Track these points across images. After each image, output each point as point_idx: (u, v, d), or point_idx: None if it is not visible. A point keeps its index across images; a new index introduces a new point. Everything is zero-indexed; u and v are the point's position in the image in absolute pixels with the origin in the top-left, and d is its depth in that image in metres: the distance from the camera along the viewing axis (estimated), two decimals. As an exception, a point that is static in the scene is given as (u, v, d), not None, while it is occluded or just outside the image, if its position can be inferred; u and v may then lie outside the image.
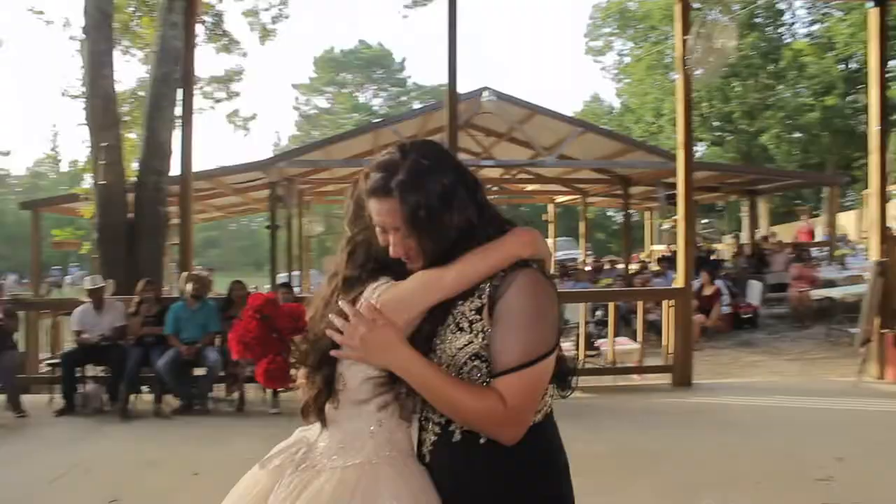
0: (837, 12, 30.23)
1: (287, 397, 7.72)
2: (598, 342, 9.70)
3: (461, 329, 1.58)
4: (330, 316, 1.59)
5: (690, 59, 8.39)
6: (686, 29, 8.48)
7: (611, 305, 8.90)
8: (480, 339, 1.55)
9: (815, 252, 17.31)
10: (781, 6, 32.83)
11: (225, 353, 7.42)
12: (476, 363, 1.56)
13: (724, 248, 20.88)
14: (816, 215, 26.49)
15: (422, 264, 1.64)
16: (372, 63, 58.57)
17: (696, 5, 8.81)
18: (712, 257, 18.18)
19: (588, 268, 17.53)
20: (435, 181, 1.58)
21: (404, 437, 1.70)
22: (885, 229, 9.16)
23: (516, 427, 1.54)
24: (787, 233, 22.83)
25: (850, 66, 32.43)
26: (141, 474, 5.43)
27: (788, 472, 5.29)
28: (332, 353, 1.60)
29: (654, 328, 10.43)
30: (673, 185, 17.23)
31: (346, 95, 57.66)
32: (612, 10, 36.11)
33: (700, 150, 33.36)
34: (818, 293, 13.58)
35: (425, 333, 1.63)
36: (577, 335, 9.07)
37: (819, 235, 20.15)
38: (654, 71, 34.77)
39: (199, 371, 7.60)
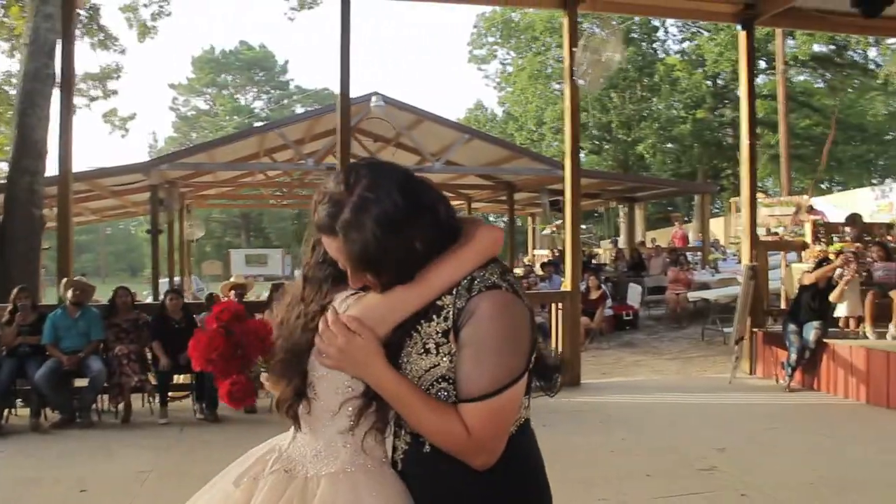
0: (706, 31, 31.95)
1: (175, 407, 7.51)
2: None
3: (428, 351, 1.51)
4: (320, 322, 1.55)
5: (578, 71, 8.69)
6: (573, 41, 8.77)
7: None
8: (448, 362, 1.50)
9: (689, 256, 18.19)
10: (655, 23, 34.37)
11: (108, 362, 7.12)
12: (443, 385, 1.51)
13: (604, 253, 21.64)
14: (687, 221, 27.89)
15: (384, 290, 1.56)
16: (253, 65, 57.46)
17: (581, 20, 9.01)
18: (593, 261, 18.82)
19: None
20: (381, 214, 1.46)
21: (377, 444, 1.66)
22: (755, 235, 9.76)
23: (483, 456, 1.49)
24: (662, 238, 23.91)
25: (717, 83, 34.40)
26: (20, 494, 5.11)
27: (675, 464, 5.54)
28: (312, 357, 1.59)
29: (539, 330, 10.68)
30: (556, 192, 17.81)
31: (227, 97, 56.33)
32: (495, 20, 36.80)
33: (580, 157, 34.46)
34: (694, 295, 14.29)
35: (392, 351, 1.55)
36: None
37: (692, 241, 21.23)
38: (536, 81, 35.68)
39: (81, 382, 7.23)
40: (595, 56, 8.56)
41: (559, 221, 20.49)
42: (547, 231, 25.66)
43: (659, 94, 33.85)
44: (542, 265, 16.54)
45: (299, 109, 56.49)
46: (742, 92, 9.76)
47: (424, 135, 15.63)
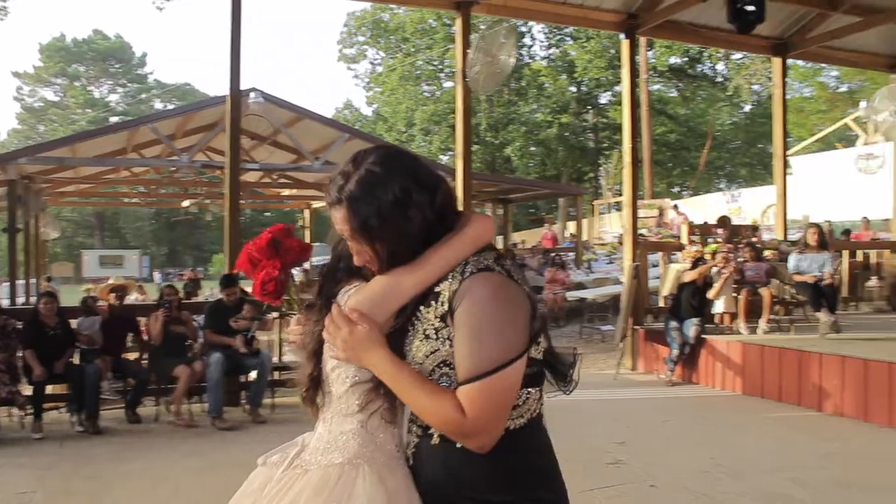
0: (572, 39, 33.15)
1: (51, 419, 6.99)
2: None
3: (427, 337, 1.54)
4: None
5: (470, 72, 8.77)
6: (466, 42, 8.83)
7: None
8: (448, 347, 1.51)
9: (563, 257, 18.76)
10: (522, 29, 35.29)
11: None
12: (445, 370, 1.53)
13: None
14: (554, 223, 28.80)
15: (382, 269, 1.61)
16: (109, 55, 54.62)
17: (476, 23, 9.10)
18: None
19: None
20: (386, 188, 1.55)
21: (388, 438, 1.68)
22: (637, 236, 10.16)
23: (481, 437, 1.49)
24: (531, 239, 24.57)
25: (581, 89, 35.76)
26: None
27: (581, 459, 5.64)
28: (325, 351, 1.65)
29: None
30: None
31: (79, 89, 53.23)
32: (366, 19, 36.67)
33: (447, 159, 34.95)
34: (573, 295, 14.73)
35: (396, 337, 1.58)
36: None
37: (560, 241, 21.91)
38: (406, 82, 35.84)
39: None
40: (488, 58, 8.68)
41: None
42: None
43: (526, 99, 34.80)
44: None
45: (158, 104, 54.27)
46: (624, 98, 10.14)
47: (303, 133, 15.32)
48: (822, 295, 8.34)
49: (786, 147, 11.34)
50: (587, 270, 16.74)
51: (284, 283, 1.77)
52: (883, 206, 15.06)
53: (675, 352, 8.61)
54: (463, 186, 9.05)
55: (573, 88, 36.25)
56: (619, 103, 35.21)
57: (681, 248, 10.79)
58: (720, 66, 35.16)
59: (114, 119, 47.96)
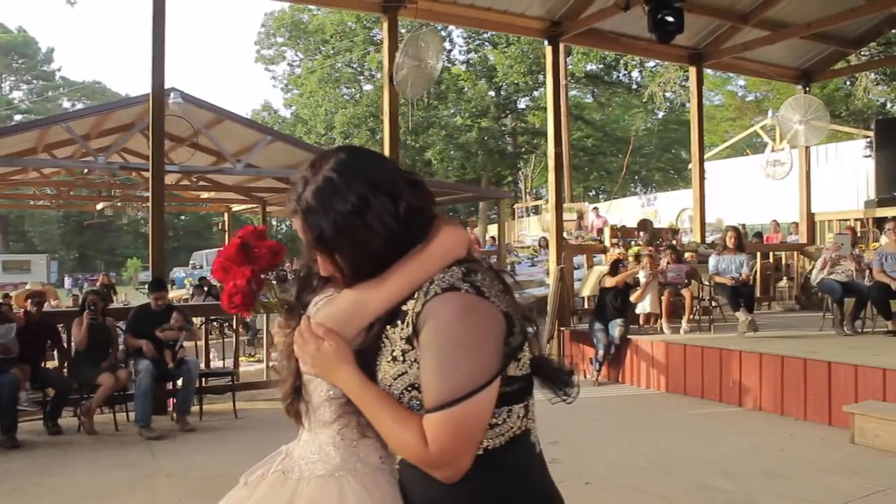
0: (491, 45, 33.52)
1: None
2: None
3: (395, 359, 1.46)
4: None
5: (398, 75, 8.78)
6: (394, 46, 8.84)
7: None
8: (415, 370, 1.43)
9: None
10: (441, 34, 35.49)
11: None
12: (414, 393, 1.44)
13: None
14: (475, 226, 29.06)
15: (347, 283, 1.53)
16: (10, 50, 52.29)
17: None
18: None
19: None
20: (342, 197, 1.47)
21: (370, 450, 1.62)
22: (562, 239, 10.36)
23: (445, 470, 1.41)
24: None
25: (501, 94, 36.20)
26: None
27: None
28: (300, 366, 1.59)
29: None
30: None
31: (-23, 85, 50.91)
32: (284, 20, 36.22)
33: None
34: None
35: (367, 356, 1.50)
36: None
37: (483, 245, 22.10)
38: (326, 84, 35.55)
39: None
40: (416, 62, 8.71)
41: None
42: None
43: (446, 103, 35.01)
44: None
45: (66, 103, 52.30)
46: (548, 104, 10.32)
47: (224, 135, 15.02)
48: (740, 295, 8.68)
49: (702, 152, 11.73)
50: (511, 273, 16.88)
51: (255, 292, 1.66)
52: (790, 209, 15.79)
53: (601, 352, 8.82)
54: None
55: (492, 93, 36.67)
56: (538, 108, 36.10)
57: (604, 250, 11.06)
58: (635, 74, 36.18)
59: (18, 118, 45.96)
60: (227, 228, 25.60)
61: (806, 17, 10.43)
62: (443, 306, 1.39)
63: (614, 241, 10.72)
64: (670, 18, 8.31)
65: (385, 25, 8.95)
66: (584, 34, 10.19)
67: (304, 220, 1.50)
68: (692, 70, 11.57)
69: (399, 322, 1.46)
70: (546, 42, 10.08)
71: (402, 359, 1.44)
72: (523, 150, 37.75)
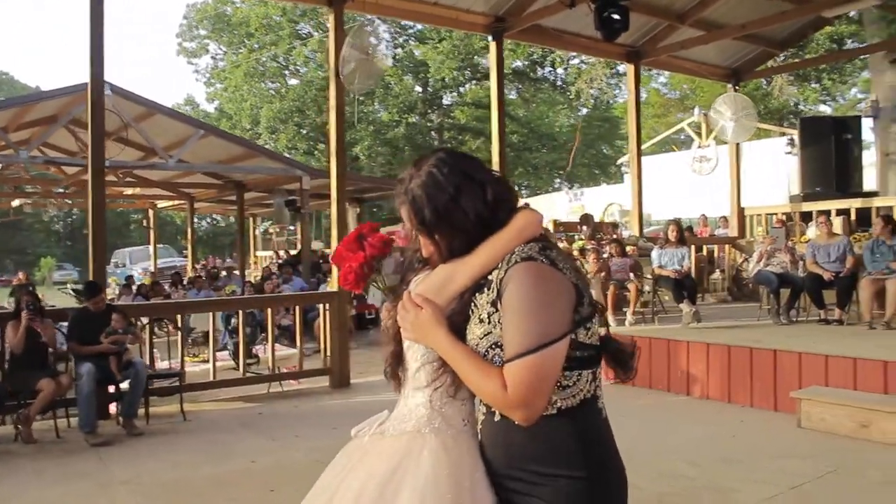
0: (421, 40, 33.48)
1: None
2: (256, 349, 9.49)
3: (482, 321, 1.70)
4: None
5: (344, 70, 8.67)
6: (339, 39, 8.72)
7: (268, 312, 8.77)
8: (498, 330, 1.66)
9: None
10: (368, 28, 35.16)
11: None
12: (497, 351, 1.67)
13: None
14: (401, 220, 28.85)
15: (443, 260, 1.82)
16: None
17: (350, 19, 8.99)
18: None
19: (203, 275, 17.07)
20: (442, 188, 1.76)
21: (455, 412, 1.84)
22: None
23: (521, 411, 1.62)
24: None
25: (428, 90, 36.22)
26: None
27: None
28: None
29: (287, 333, 10.60)
30: (290, 192, 17.60)
31: None
32: (207, 12, 35.37)
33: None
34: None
35: (459, 321, 1.75)
36: (237, 343, 8.77)
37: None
38: (251, 78, 34.88)
39: None
40: (363, 56, 8.62)
41: (291, 223, 20.28)
42: (273, 232, 25.19)
43: (372, 98, 34.81)
44: (280, 266, 16.27)
45: None
46: (492, 99, 10.37)
47: (155, 129, 14.58)
48: (683, 287, 8.89)
49: (640, 147, 11.98)
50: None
51: (367, 274, 1.96)
52: (716, 204, 16.28)
53: (548, 345, 8.91)
54: (337, 185, 8.94)
55: (419, 89, 36.67)
56: (465, 104, 36.29)
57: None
58: (560, 71, 36.70)
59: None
60: (151, 226, 24.91)
61: (739, 18, 10.79)
62: (522, 272, 1.64)
63: (558, 235, 10.84)
64: (616, 16, 8.46)
65: (331, 18, 8.81)
66: (528, 30, 10.27)
67: (410, 207, 1.80)
68: (630, 67, 11.79)
69: (486, 289, 1.71)
70: (490, 38, 10.13)
71: (487, 320, 1.69)
72: (452, 145, 37.87)
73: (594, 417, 1.77)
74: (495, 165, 10.29)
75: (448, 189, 1.76)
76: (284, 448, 5.99)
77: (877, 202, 11.58)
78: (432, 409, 1.82)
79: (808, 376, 6.59)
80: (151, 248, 25.86)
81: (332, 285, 9.09)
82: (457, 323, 1.75)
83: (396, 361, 1.93)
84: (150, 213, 24.58)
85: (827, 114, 27.36)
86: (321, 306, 9.01)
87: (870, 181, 14.65)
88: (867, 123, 14.89)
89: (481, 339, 1.69)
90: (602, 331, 1.78)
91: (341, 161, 9.02)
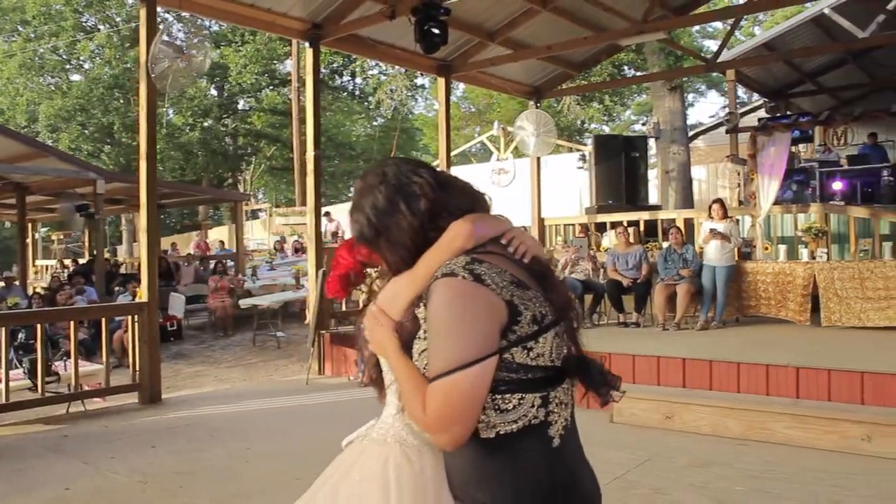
0: (218, 44, 32.34)
1: None
2: (55, 365, 8.71)
3: (419, 337, 1.66)
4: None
5: (156, 68, 8.23)
6: (151, 35, 8.28)
7: (72, 325, 8.09)
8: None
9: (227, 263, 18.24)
10: (160, 26, 33.48)
11: None
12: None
13: (132, 261, 20.51)
14: (198, 228, 27.83)
15: (393, 273, 1.79)
16: None
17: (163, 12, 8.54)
18: (120, 270, 17.80)
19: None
20: (374, 200, 1.73)
21: None
22: (321, 242, 10.33)
23: (440, 435, 1.55)
24: (182, 243, 23.54)
25: (224, 94, 35.11)
26: None
27: (318, 464, 5.64)
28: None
29: (81, 348, 9.90)
30: (82, 196, 16.36)
31: None
32: (-24, -6, 32.09)
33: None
34: (246, 302, 14.42)
35: (405, 337, 1.69)
36: (34, 361, 7.98)
37: (212, 248, 21.29)
38: (28, 71, 32.04)
39: None
40: (178, 55, 8.23)
41: (81, 230, 18.88)
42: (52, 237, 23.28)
43: (163, 100, 33.13)
44: (70, 276, 15.10)
45: None
46: (308, 106, 10.24)
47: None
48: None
49: (450, 158, 12.34)
50: (253, 278, 16.51)
51: (354, 283, 2.00)
52: (515, 215, 17.04)
53: (367, 353, 8.91)
54: (147, 189, 8.43)
55: (215, 92, 35.45)
56: (263, 109, 35.50)
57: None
58: (359, 80, 36.94)
59: None
60: None
61: (544, 40, 11.46)
62: (441, 289, 1.56)
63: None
64: (436, 30, 8.65)
65: (143, 13, 8.33)
66: (345, 39, 10.26)
67: (350, 220, 1.78)
68: (441, 81, 12.10)
69: (422, 304, 1.64)
70: (307, 44, 10.01)
71: (423, 336, 1.63)
72: (248, 151, 36.90)
73: (538, 446, 1.61)
74: (310, 173, 10.20)
75: (379, 201, 1.72)
76: (101, 471, 5.58)
77: (661, 215, 12.72)
78: (402, 420, 1.79)
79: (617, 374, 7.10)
80: None
81: (142, 295, 8.56)
82: (406, 337, 1.69)
83: (377, 370, 1.90)
84: None
85: (617, 133, 29.60)
86: (129, 318, 8.45)
87: (654, 195, 16.05)
88: (652, 143, 16.31)
89: (419, 354, 1.64)
90: (564, 349, 1.67)
91: (152, 164, 8.54)
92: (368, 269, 1.97)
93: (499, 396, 1.56)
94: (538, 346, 1.59)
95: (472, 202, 1.78)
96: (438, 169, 1.87)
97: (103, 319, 8.49)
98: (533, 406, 1.59)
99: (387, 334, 1.70)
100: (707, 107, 61.96)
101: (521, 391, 1.58)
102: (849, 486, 4.94)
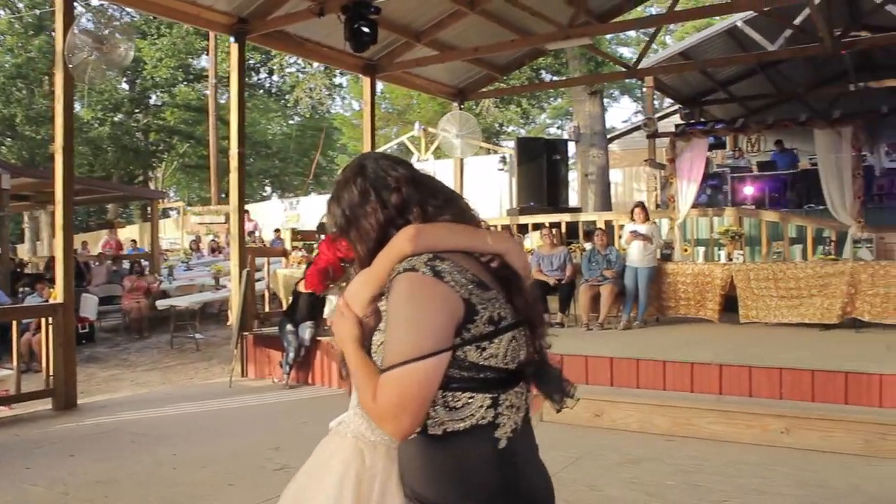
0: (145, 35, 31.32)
1: None
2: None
3: (379, 329, 1.70)
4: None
5: (74, 58, 7.90)
6: (68, 22, 7.94)
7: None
8: None
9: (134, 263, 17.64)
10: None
11: None
12: None
13: (36, 261, 19.63)
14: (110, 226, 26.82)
15: (361, 265, 1.77)
16: None
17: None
18: (26, 270, 17.03)
19: None
20: (348, 193, 1.77)
21: None
22: (243, 242, 10.11)
23: (388, 424, 1.56)
24: (93, 241, 22.70)
25: (135, 88, 34.01)
26: None
27: (247, 470, 5.53)
28: None
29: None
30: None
31: None
32: None
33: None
34: (163, 303, 13.98)
35: (367, 330, 1.71)
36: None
37: (125, 247, 20.57)
38: None
39: None
40: (99, 45, 7.92)
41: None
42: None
43: (74, 93, 31.82)
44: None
45: None
46: (232, 102, 10.00)
47: None
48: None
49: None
50: (170, 278, 16.02)
51: (332, 277, 2.23)
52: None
53: (292, 355, 8.78)
54: (63, 183, 8.12)
55: (126, 86, 34.30)
56: (176, 106, 34.51)
57: (286, 253, 11.04)
58: (276, 78, 36.37)
59: None
60: None
61: (471, 42, 11.53)
62: (401, 283, 1.59)
63: (296, 244, 10.75)
64: (366, 29, 8.59)
65: (59, 0, 7.99)
66: (271, 35, 10.08)
67: (327, 211, 1.83)
68: (366, 80, 12.01)
69: (383, 297, 1.66)
70: (233, 39, 9.78)
71: (383, 329, 1.65)
72: (160, 148, 35.81)
73: (483, 447, 1.61)
74: (234, 171, 9.96)
75: (353, 193, 1.76)
76: (16, 484, 5.29)
77: (582, 217, 12.96)
78: (362, 416, 1.84)
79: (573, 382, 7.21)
80: None
81: (56, 296, 8.20)
82: (368, 332, 1.72)
83: (344, 366, 1.86)
84: None
85: (540, 136, 30.03)
86: (43, 320, 8.08)
87: (574, 198, 16.34)
88: (572, 146, 16.61)
89: (378, 346, 1.67)
90: (523, 353, 1.67)
91: (69, 158, 8.25)
92: (346, 266, 2.00)
93: (449, 394, 1.59)
94: (492, 346, 1.60)
95: (444, 201, 1.77)
96: (418, 167, 1.89)
97: (14, 322, 8.07)
98: (482, 406, 1.61)
99: (348, 327, 1.70)
100: (621, 112, 63.57)
101: (472, 390, 1.60)
102: (771, 476, 5.17)
